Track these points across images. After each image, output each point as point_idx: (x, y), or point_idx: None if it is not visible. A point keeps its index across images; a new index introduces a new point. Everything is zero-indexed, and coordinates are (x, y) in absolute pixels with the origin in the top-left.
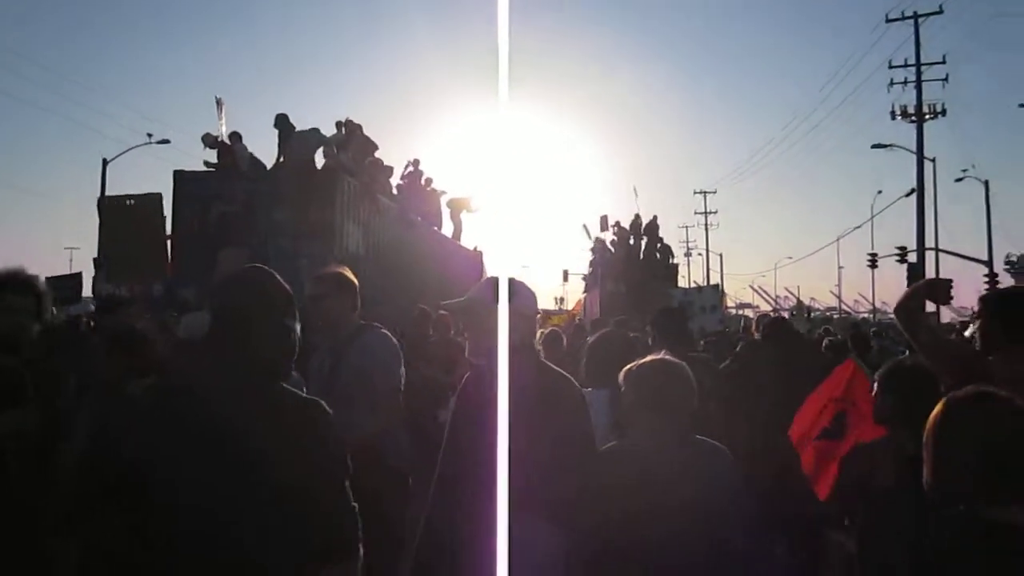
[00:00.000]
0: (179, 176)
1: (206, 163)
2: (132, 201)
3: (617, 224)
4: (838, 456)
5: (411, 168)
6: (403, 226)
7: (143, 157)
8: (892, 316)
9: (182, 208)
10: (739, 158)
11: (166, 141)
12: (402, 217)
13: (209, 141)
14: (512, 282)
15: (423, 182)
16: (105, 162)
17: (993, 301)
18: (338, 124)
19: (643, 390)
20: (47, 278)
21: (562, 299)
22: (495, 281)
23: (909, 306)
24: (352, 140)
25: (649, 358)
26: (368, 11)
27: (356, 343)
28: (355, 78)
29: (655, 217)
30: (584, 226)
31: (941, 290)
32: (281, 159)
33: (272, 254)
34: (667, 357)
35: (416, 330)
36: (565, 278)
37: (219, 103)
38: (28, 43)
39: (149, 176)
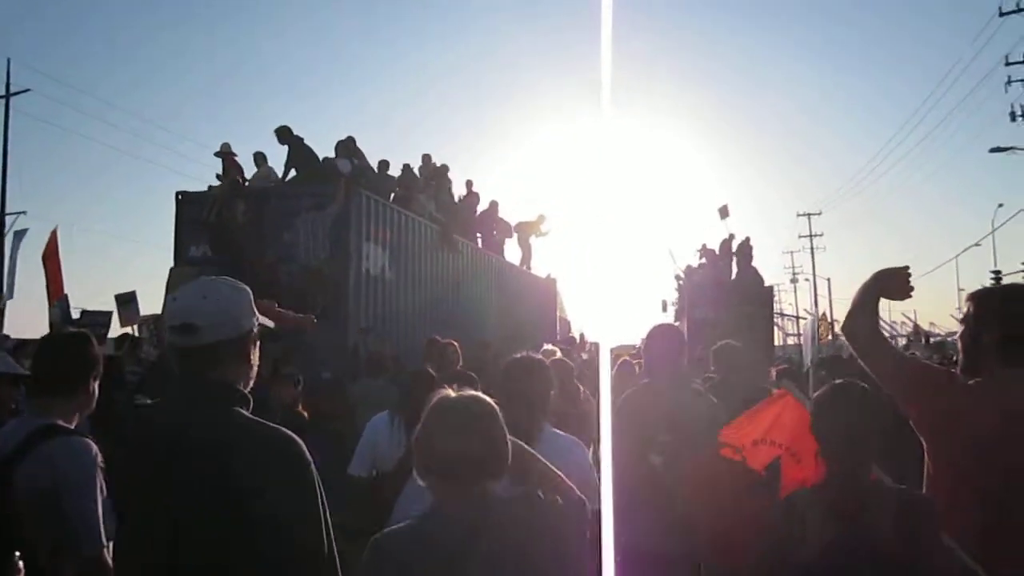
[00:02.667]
0: (181, 198)
1: (218, 176)
2: None
3: (703, 247)
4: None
5: (465, 191)
6: (447, 249)
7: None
8: None
9: (183, 232)
10: (844, 176)
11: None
12: (446, 239)
13: (224, 149)
14: None
15: (488, 206)
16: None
17: (995, 301)
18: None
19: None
20: (83, 311)
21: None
22: None
23: (862, 307)
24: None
25: None
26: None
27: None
28: (426, 81)
29: (748, 238)
30: (670, 251)
31: (896, 282)
32: (292, 174)
33: (281, 278)
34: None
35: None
36: (664, 308)
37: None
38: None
39: None
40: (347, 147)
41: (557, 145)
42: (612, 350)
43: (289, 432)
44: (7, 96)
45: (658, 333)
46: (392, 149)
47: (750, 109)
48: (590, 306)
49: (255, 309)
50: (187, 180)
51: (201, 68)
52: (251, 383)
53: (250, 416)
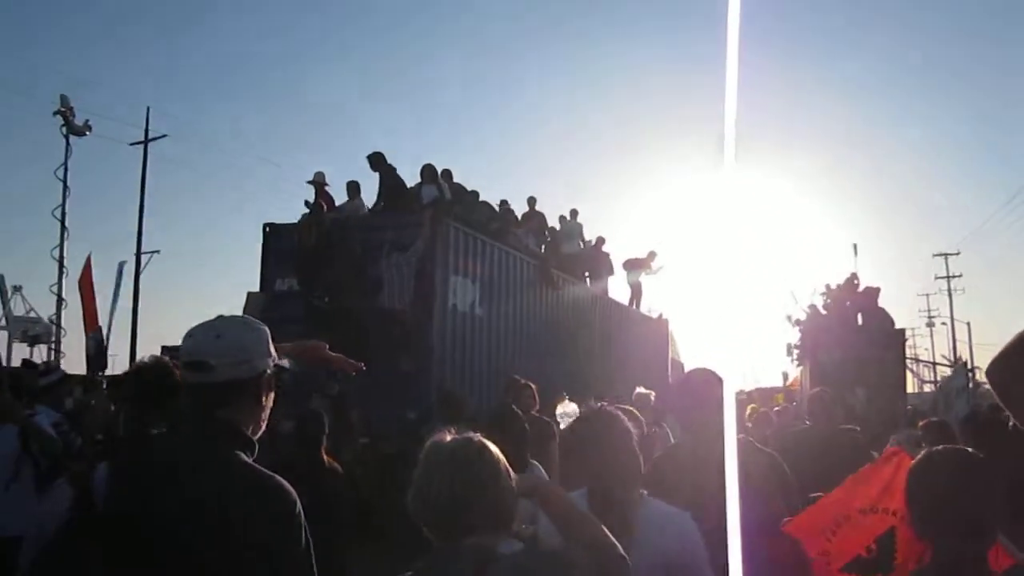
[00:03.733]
0: (268, 230)
1: (307, 203)
2: None
3: (827, 288)
4: None
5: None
6: (546, 285)
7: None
8: None
9: (269, 265)
10: (983, 214)
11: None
12: (544, 275)
13: (317, 179)
14: None
15: (594, 242)
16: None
17: None
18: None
19: None
20: (163, 347)
21: (786, 375)
22: None
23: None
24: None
25: None
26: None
27: None
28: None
29: (878, 289)
30: (792, 292)
31: None
32: (381, 205)
33: (364, 314)
34: None
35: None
36: (789, 352)
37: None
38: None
39: None
40: (432, 173)
41: (676, 186)
42: (736, 395)
43: (284, 483)
44: (145, 142)
45: (690, 378)
46: (502, 189)
47: (879, 145)
48: (711, 349)
49: (271, 350)
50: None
51: (324, 103)
52: (262, 426)
53: (249, 462)
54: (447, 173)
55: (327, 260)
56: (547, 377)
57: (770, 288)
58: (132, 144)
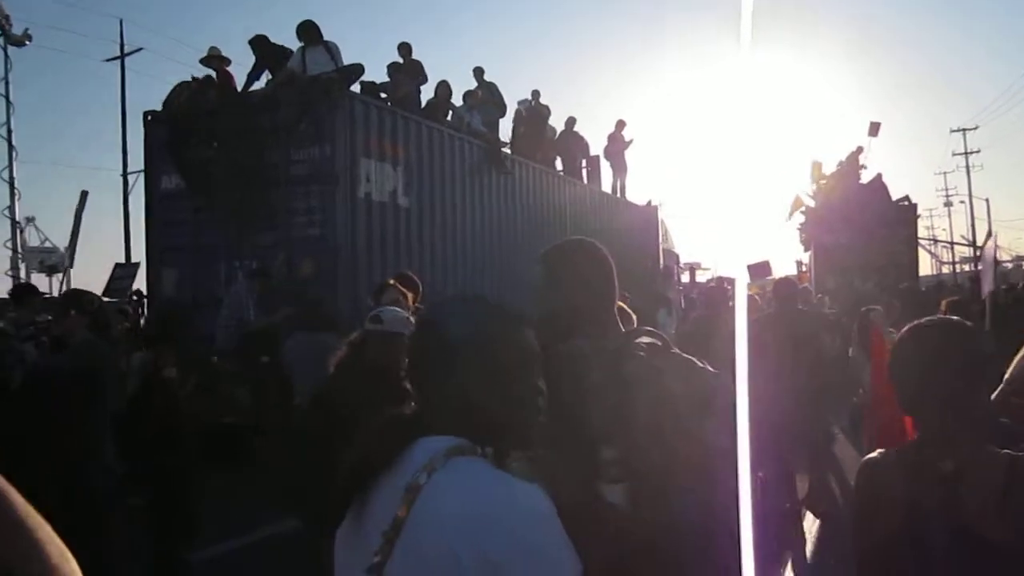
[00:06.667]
0: (151, 118)
1: (193, 78)
2: None
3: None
4: None
5: (531, 101)
6: (496, 171)
7: None
8: None
9: (154, 159)
10: (1000, 86)
11: None
12: (494, 158)
13: (213, 53)
14: None
15: (564, 125)
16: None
17: None
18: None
19: None
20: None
21: (800, 263)
22: None
23: None
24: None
25: None
26: None
27: None
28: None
29: (879, 175)
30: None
31: None
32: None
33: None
34: None
35: None
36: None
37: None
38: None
39: None
40: (314, 33)
41: (691, 69)
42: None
43: None
44: (122, 56)
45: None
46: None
47: (894, 20)
48: (722, 239)
49: None
50: None
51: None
52: None
53: None
54: (406, 46)
55: (210, 111)
56: (508, 275)
57: (784, 172)
58: (107, 60)
